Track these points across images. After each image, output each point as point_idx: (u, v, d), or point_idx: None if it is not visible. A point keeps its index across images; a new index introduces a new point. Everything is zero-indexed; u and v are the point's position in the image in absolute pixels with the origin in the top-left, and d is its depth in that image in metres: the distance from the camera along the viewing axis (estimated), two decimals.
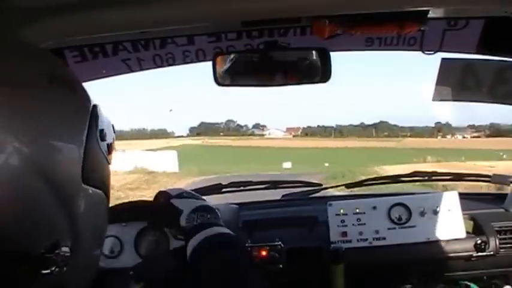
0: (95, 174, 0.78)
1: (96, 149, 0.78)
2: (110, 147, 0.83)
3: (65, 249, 0.71)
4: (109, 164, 0.84)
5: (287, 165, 32.70)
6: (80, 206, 0.74)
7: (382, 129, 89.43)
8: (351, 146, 64.83)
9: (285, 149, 60.18)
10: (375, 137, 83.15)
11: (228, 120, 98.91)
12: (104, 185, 0.81)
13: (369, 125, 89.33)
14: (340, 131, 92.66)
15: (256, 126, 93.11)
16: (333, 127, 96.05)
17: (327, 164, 33.81)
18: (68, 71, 0.80)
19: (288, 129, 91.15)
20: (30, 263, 0.69)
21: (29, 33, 0.95)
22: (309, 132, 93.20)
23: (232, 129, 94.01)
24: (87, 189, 0.75)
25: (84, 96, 0.80)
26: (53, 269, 0.70)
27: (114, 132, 0.88)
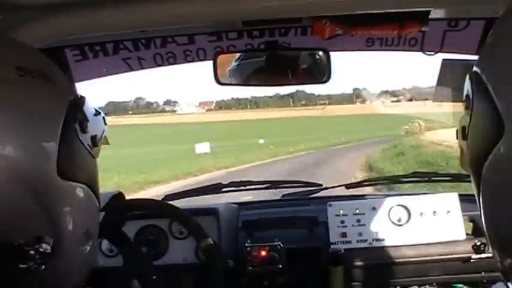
0: (75, 168, 0.75)
1: (75, 143, 0.75)
2: (94, 140, 0.80)
3: (46, 246, 0.70)
4: (94, 157, 0.81)
5: (204, 148, 24.13)
6: (58, 202, 0.72)
7: (299, 98, 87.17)
8: (272, 117, 61.76)
9: (199, 124, 55.64)
10: (292, 107, 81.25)
11: (137, 98, 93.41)
12: (86, 179, 0.79)
13: (285, 95, 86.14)
14: (255, 103, 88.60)
15: (167, 102, 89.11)
16: (247, 99, 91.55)
17: (261, 141, 28.74)
18: (46, 62, 0.77)
19: (201, 104, 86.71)
20: (8, 253, 0.68)
21: (29, 32, 0.95)
22: (222, 105, 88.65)
23: (142, 106, 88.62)
24: (65, 184, 0.73)
25: (63, 87, 0.77)
26: (31, 264, 0.69)
27: (106, 124, 0.85)
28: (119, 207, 1.54)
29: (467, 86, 0.62)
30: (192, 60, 1.74)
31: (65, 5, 0.94)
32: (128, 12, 0.98)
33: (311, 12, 1.08)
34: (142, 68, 1.74)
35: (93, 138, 0.80)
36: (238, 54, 1.60)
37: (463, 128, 0.64)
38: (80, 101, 0.78)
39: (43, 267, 0.70)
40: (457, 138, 0.70)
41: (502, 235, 0.57)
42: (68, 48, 1.58)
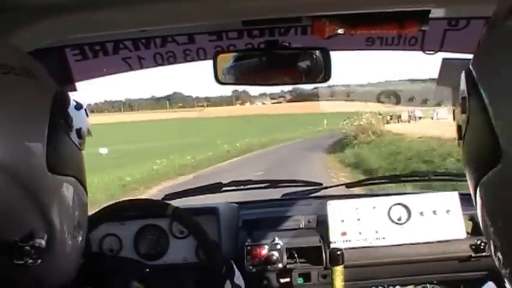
0: (63, 162, 0.76)
1: (62, 137, 0.76)
2: (80, 132, 0.81)
3: (39, 241, 0.71)
4: (80, 150, 0.82)
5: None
6: (49, 196, 0.73)
7: (176, 100, 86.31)
8: (148, 119, 61.04)
9: None
10: (169, 109, 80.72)
11: None
12: (75, 172, 0.80)
13: (161, 98, 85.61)
14: (129, 105, 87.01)
15: None
16: (121, 101, 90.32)
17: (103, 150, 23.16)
18: (27, 58, 0.77)
19: None
20: (3, 252, 0.68)
21: (29, 32, 0.95)
22: (95, 108, 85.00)
23: None
24: (56, 179, 0.74)
25: (46, 82, 0.78)
26: (27, 260, 0.70)
27: (88, 115, 0.86)
28: (119, 207, 1.54)
29: (462, 85, 0.61)
30: (192, 60, 1.74)
31: (64, 5, 0.94)
32: (128, 11, 0.98)
33: (311, 11, 1.08)
34: (142, 68, 1.75)
35: (78, 130, 0.81)
36: (238, 54, 1.60)
37: (459, 127, 0.63)
38: (63, 95, 0.79)
39: (39, 261, 0.71)
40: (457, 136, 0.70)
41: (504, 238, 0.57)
42: (68, 48, 1.58)
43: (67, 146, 0.78)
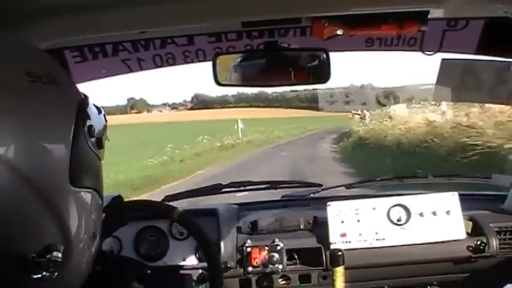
0: (84, 174, 0.75)
1: (85, 148, 0.75)
2: (100, 142, 0.80)
3: (56, 254, 0.69)
4: (100, 160, 0.81)
5: None
6: (69, 210, 0.72)
7: None
8: None
9: None
10: None
11: None
12: (95, 184, 0.79)
13: None
14: None
15: None
16: None
17: None
18: (53, 65, 0.76)
19: None
20: (21, 267, 0.68)
21: (29, 33, 0.95)
22: None
23: None
24: (76, 192, 0.73)
25: (71, 90, 0.77)
26: (44, 273, 0.69)
27: (106, 121, 0.85)
28: (119, 208, 1.54)
29: None
30: (192, 61, 1.74)
31: (64, 6, 0.94)
32: (127, 13, 0.98)
33: (310, 12, 1.08)
34: (141, 69, 1.74)
35: (99, 140, 0.80)
36: (237, 55, 1.60)
37: None
38: (86, 102, 0.77)
39: (56, 274, 0.70)
40: None
41: None
42: (68, 49, 1.58)
43: (89, 158, 0.77)
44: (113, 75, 1.76)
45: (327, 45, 1.46)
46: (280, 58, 1.55)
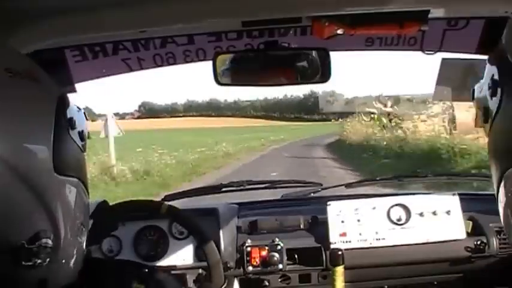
0: (68, 163, 0.77)
1: (67, 138, 0.78)
2: (82, 134, 0.83)
3: (46, 240, 0.71)
4: (83, 151, 0.83)
5: None
6: (55, 197, 0.74)
7: None
8: None
9: None
10: None
11: None
12: (79, 173, 0.81)
13: None
14: None
15: None
16: None
17: None
18: (30, 63, 0.78)
19: None
20: (12, 254, 0.68)
21: (29, 33, 0.95)
22: None
23: None
24: (61, 180, 0.75)
25: (50, 86, 0.79)
26: (36, 261, 0.70)
27: (87, 118, 0.87)
28: (108, 212, 1.54)
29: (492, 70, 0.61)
30: (192, 61, 1.74)
31: (64, 5, 0.94)
32: (128, 12, 0.98)
33: (310, 12, 1.08)
34: (142, 69, 1.74)
35: (81, 133, 0.83)
36: (238, 54, 1.60)
37: (485, 109, 0.63)
38: (65, 97, 0.79)
39: (47, 260, 0.71)
40: (472, 100, 0.69)
41: None
42: (68, 48, 1.58)
43: (71, 148, 0.79)
44: (113, 74, 1.76)
45: (327, 45, 1.46)
46: (281, 57, 1.55)
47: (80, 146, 0.82)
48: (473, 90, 0.70)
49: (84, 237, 0.85)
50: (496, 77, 0.60)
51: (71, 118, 0.79)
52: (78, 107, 0.85)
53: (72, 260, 0.82)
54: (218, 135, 22.83)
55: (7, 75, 0.69)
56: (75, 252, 0.82)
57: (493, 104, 0.62)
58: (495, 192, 0.63)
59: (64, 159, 0.75)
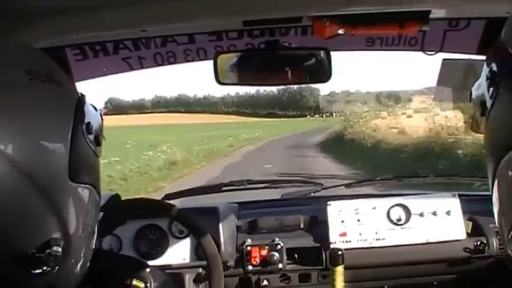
0: (83, 170, 0.76)
1: (83, 144, 0.76)
2: (97, 139, 0.82)
3: (56, 248, 0.70)
4: (98, 156, 0.83)
5: None
6: (68, 205, 0.73)
7: None
8: None
9: None
10: None
11: None
12: (93, 180, 0.80)
13: None
14: None
15: None
16: None
17: None
18: (51, 64, 0.77)
19: None
20: (21, 263, 0.68)
21: (29, 32, 0.95)
22: None
23: None
24: (75, 187, 0.74)
25: (69, 88, 0.78)
26: (45, 268, 0.70)
27: (102, 120, 0.86)
28: (119, 206, 1.54)
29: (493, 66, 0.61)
30: (193, 60, 1.74)
31: (65, 5, 0.94)
32: (128, 11, 0.98)
33: (311, 12, 1.08)
34: (142, 68, 1.74)
35: (97, 137, 0.81)
36: (238, 54, 1.60)
37: (482, 102, 0.64)
38: (83, 100, 0.79)
39: (56, 268, 0.71)
40: (469, 102, 0.70)
41: None
42: (69, 47, 1.58)
43: (87, 154, 0.78)
44: (113, 73, 1.76)
45: (328, 45, 1.46)
46: (281, 57, 1.55)
47: (96, 151, 0.81)
48: (471, 92, 0.71)
49: (93, 243, 0.84)
50: (495, 68, 0.60)
51: (89, 123, 0.78)
52: (94, 107, 0.84)
53: (80, 266, 0.82)
54: (184, 132, 20.10)
55: (28, 77, 0.68)
56: (83, 258, 0.82)
57: (489, 96, 0.62)
58: (490, 188, 0.63)
59: (79, 166, 0.75)
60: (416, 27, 1.15)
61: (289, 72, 1.55)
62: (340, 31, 1.15)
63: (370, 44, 1.71)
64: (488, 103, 0.62)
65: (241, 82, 1.61)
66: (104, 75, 1.75)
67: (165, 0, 0.97)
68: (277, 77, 1.56)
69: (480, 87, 0.67)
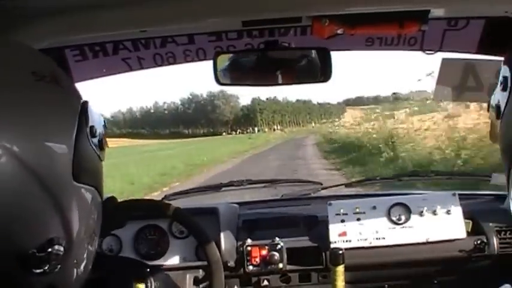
0: (86, 171, 0.77)
1: (87, 146, 0.77)
2: (101, 143, 0.83)
3: (58, 247, 0.71)
4: (101, 160, 0.84)
5: None
6: (71, 205, 0.74)
7: None
8: None
9: None
10: None
11: None
12: (96, 182, 0.81)
13: None
14: None
15: None
16: None
17: None
18: (56, 67, 0.78)
19: None
20: (22, 262, 0.69)
21: (29, 33, 0.95)
22: None
23: None
24: (78, 187, 0.75)
25: (73, 92, 0.79)
26: (46, 268, 0.70)
27: (106, 127, 0.87)
28: (113, 209, 1.54)
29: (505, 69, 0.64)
30: (192, 60, 1.74)
31: (64, 5, 0.94)
32: (128, 12, 0.98)
33: (311, 12, 1.08)
34: (142, 68, 1.75)
35: (100, 142, 0.83)
36: (238, 54, 1.60)
37: (497, 106, 0.66)
38: (87, 103, 0.79)
39: (58, 267, 0.71)
40: (488, 111, 0.73)
41: None
42: (68, 48, 1.58)
43: (91, 156, 0.79)
44: (113, 74, 1.77)
45: (327, 44, 1.46)
46: (281, 57, 1.55)
47: (99, 155, 0.82)
48: (489, 101, 0.73)
49: (95, 244, 0.85)
50: (506, 73, 0.63)
51: (92, 126, 0.79)
52: (99, 115, 0.85)
53: (82, 267, 0.82)
54: None
55: (33, 78, 0.69)
56: (85, 259, 0.82)
57: (503, 98, 0.65)
58: (507, 188, 0.65)
59: (83, 167, 0.75)
60: (415, 27, 1.15)
61: (289, 72, 1.55)
62: (340, 31, 1.15)
63: (369, 44, 1.71)
64: (502, 106, 0.64)
65: (240, 82, 1.61)
66: (104, 76, 1.76)
67: (165, 1, 0.97)
68: (276, 77, 1.56)
69: (495, 94, 0.68)
